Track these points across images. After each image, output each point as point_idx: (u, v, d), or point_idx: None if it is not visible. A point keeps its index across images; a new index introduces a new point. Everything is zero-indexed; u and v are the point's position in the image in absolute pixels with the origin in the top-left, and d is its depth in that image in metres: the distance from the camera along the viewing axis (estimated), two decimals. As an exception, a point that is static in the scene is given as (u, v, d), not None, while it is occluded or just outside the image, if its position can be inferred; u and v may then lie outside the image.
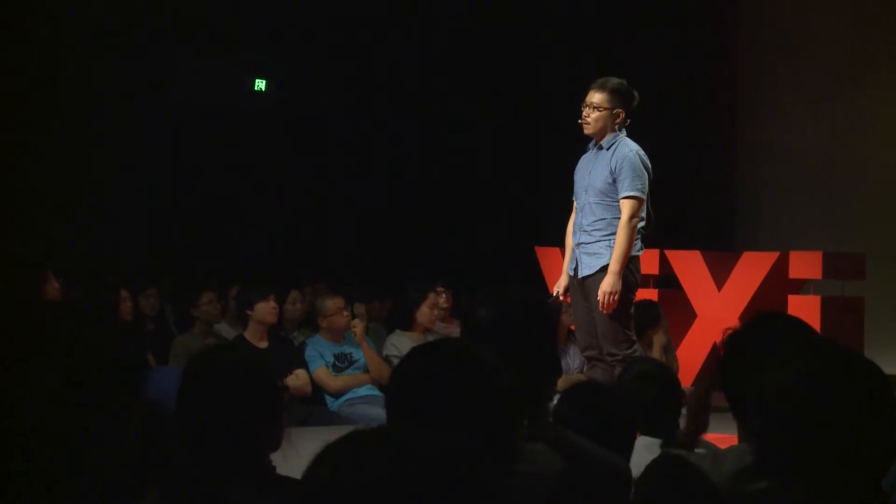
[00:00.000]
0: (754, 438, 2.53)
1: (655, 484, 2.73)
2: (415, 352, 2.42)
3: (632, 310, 6.40)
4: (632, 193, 6.30)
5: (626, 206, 6.30)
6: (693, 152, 12.43)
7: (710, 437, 3.85)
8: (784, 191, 12.45)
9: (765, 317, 2.72)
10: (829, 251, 9.70)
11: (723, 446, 3.50)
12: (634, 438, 3.79)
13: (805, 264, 9.58)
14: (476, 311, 2.76)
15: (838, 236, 11.37)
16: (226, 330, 8.85)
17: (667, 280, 10.33)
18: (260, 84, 12.48)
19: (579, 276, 6.43)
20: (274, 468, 2.77)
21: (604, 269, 6.29)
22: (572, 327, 7.14)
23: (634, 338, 6.40)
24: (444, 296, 9.31)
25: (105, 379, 1.86)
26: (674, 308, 9.82)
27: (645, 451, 3.82)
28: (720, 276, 10.12)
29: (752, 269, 9.95)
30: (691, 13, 12.62)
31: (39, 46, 10.67)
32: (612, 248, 6.30)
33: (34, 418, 1.82)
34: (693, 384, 8.44)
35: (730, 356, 2.68)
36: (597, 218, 6.40)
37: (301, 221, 12.14)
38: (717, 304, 10.09)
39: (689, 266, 10.25)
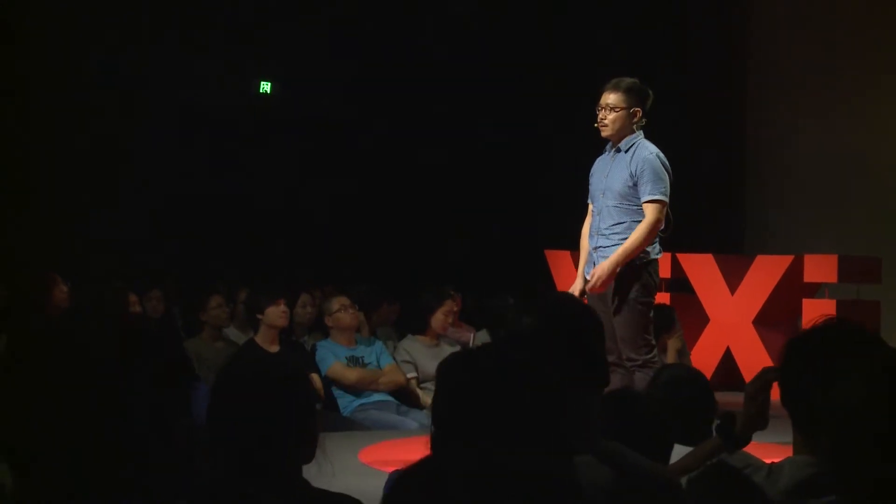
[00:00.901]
0: (820, 451, 2.43)
1: (704, 497, 2.62)
2: (460, 363, 2.33)
3: (651, 314, 6.28)
4: (656, 197, 6.17)
5: (650, 210, 6.17)
6: (701, 155, 12.33)
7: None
8: (793, 193, 12.35)
9: (829, 323, 2.60)
10: (845, 254, 9.60)
11: (762, 456, 3.40)
12: (671, 448, 3.68)
13: (820, 268, 9.48)
14: (520, 318, 2.64)
15: (848, 239, 11.27)
16: (234, 334, 8.75)
17: (679, 284, 10.24)
18: (265, 86, 12.40)
19: (597, 281, 6.31)
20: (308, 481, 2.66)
21: (622, 272, 6.18)
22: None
23: (654, 342, 6.29)
24: (455, 299, 9.20)
25: (160, 390, 1.77)
26: (686, 312, 9.73)
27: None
28: (733, 279, 10.03)
29: (765, 273, 9.87)
30: (700, 14, 12.52)
31: (44, 49, 10.59)
32: (630, 250, 6.20)
33: (88, 426, 1.73)
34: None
35: (792, 363, 2.56)
36: (615, 221, 6.27)
37: (307, 224, 12.05)
38: (731, 307, 10.01)
39: (702, 270, 10.17)
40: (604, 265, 6.14)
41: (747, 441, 2.93)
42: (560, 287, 10.53)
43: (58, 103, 10.65)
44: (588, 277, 6.36)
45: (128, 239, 10.95)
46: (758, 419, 2.85)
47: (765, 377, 2.78)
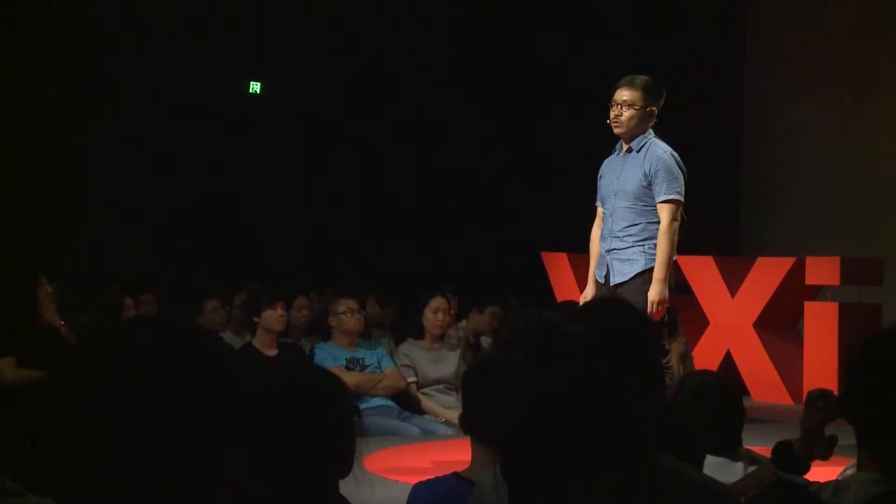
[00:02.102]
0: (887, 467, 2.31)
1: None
2: (513, 382, 2.19)
3: (666, 317, 6.14)
4: (671, 197, 6.04)
5: (665, 211, 6.03)
6: (700, 155, 12.20)
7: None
8: (791, 195, 12.26)
9: (892, 334, 2.47)
10: (847, 256, 9.49)
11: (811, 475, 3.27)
12: (703, 459, 3.54)
13: (822, 270, 9.37)
14: (568, 324, 2.49)
15: (847, 241, 11.18)
16: (230, 338, 8.59)
17: (678, 286, 10.10)
18: (255, 86, 12.27)
19: (611, 284, 6.15)
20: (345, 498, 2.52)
21: (638, 275, 6.03)
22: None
23: (668, 347, 6.16)
24: (451, 301, 9.06)
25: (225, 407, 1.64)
26: (685, 315, 9.60)
27: (710, 473, 3.57)
28: (733, 282, 9.92)
29: (766, 275, 9.76)
30: (697, 14, 12.43)
31: (36, 50, 10.46)
32: (646, 253, 6.04)
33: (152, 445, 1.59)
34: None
35: (856, 376, 2.43)
36: (629, 223, 6.12)
37: (300, 226, 11.92)
38: (731, 310, 9.90)
39: (702, 272, 10.05)
40: (652, 293, 5.92)
41: (806, 469, 2.80)
42: (558, 290, 10.42)
43: (50, 103, 10.52)
44: (598, 280, 6.23)
45: (119, 241, 10.80)
46: (819, 451, 2.73)
47: (829, 410, 2.65)
